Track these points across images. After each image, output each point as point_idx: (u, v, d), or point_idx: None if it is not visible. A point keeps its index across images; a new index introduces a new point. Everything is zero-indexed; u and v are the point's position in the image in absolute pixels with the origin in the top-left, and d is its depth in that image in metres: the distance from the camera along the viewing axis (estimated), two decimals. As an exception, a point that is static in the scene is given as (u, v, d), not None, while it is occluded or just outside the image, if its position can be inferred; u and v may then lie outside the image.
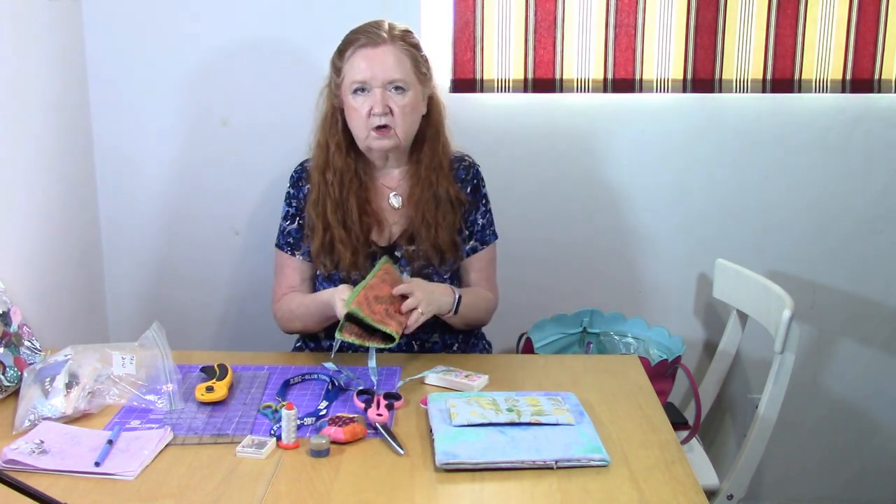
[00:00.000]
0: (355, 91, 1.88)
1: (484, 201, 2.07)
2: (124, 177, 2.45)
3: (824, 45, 2.41)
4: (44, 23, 2.15)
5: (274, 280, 2.07)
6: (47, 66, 2.18)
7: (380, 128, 1.88)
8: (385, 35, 1.88)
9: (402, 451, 1.51)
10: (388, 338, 1.76)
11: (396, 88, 1.88)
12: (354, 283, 1.97)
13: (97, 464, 1.45)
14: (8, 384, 1.72)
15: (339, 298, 1.78)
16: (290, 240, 2.03)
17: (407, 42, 1.91)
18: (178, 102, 2.41)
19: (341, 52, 1.92)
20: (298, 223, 2.02)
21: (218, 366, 1.79)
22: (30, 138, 2.10)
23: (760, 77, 2.42)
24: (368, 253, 1.98)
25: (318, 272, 2.02)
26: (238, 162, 2.45)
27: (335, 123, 1.96)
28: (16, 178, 2.03)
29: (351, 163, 1.96)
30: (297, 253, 2.02)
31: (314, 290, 2.05)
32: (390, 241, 2.00)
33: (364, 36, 1.88)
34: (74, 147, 2.33)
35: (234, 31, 2.37)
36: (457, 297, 1.91)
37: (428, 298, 1.83)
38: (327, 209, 1.95)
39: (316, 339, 2.07)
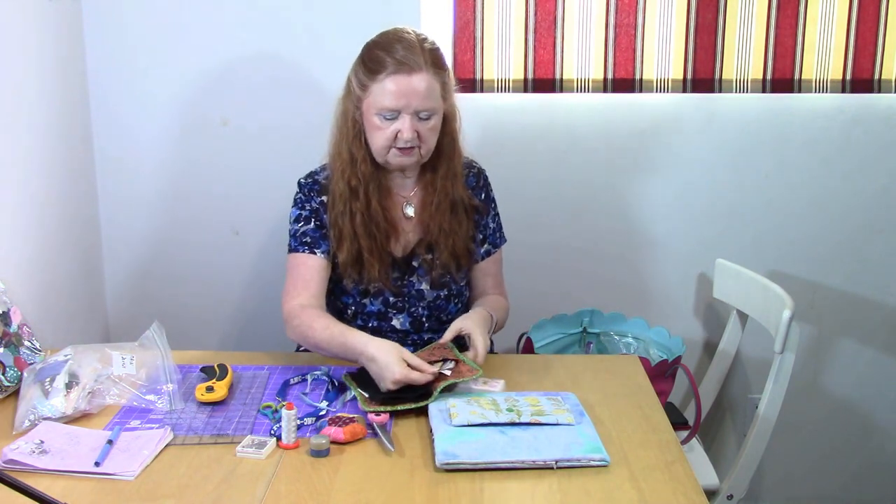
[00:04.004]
0: (382, 114, 1.84)
1: (493, 205, 2.08)
2: (124, 177, 2.45)
3: (824, 45, 2.41)
4: (44, 23, 2.15)
5: (287, 282, 1.96)
6: (47, 66, 2.18)
7: (404, 148, 1.86)
8: (419, 59, 1.81)
9: (392, 448, 1.51)
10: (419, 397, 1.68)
11: (426, 115, 1.85)
12: (375, 297, 1.96)
13: (97, 464, 1.45)
14: (8, 384, 1.72)
15: (394, 377, 1.66)
16: (307, 239, 1.95)
17: (437, 66, 1.86)
18: (177, 103, 2.41)
19: (371, 72, 1.84)
20: (314, 224, 1.96)
21: (218, 366, 1.79)
22: (30, 138, 2.10)
23: (760, 77, 2.42)
24: (389, 263, 1.96)
25: (332, 284, 1.99)
26: (238, 162, 2.45)
27: (358, 135, 1.90)
28: (16, 179, 2.03)
29: (374, 172, 1.93)
30: (317, 251, 1.94)
31: (325, 295, 1.99)
32: (405, 250, 1.99)
33: (394, 60, 1.81)
34: (74, 147, 2.33)
35: (234, 33, 2.36)
36: (494, 320, 1.94)
37: (483, 332, 1.82)
38: (356, 220, 1.90)
39: None
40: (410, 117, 1.83)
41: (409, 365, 1.68)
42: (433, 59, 1.85)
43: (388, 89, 1.81)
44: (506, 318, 2.07)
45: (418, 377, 1.66)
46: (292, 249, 1.96)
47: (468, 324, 1.82)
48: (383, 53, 1.83)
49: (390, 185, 1.99)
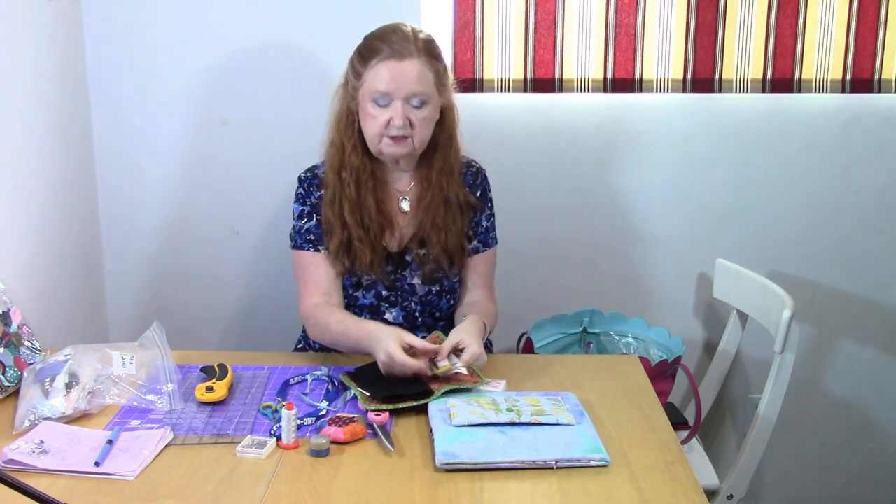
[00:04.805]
0: (375, 100, 1.86)
1: (489, 205, 2.08)
2: (124, 176, 2.45)
3: (824, 45, 2.41)
4: (44, 23, 2.15)
5: (298, 282, 2.00)
6: (47, 66, 2.18)
7: (396, 137, 1.87)
8: (411, 47, 1.85)
9: (392, 448, 1.51)
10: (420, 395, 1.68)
11: (417, 102, 1.86)
12: (367, 289, 1.97)
13: (97, 464, 1.45)
14: (8, 384, 1.72)
15: (387, 349, 1.70)
16: (311, 236, 1.97)
17: (431, 55, 1.89)
18: (178, 102, 2.41)
19: (364, 59, 1.88)
20: (317, 219, 1.98)
21: (218, 366, 1.79)
22: (30, 138, 2.10)
23: (760, 77, 2.42)
24: (383, 256, 1.97)
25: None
26: (238, 162, 2.45)
27: (351, 124, 1.93)
28: (16, 179, 2.03)
29: (367, 162, 1.95)
30: (321, 248, 1.97)
31: (341, 288, 2.00)
32: (400, 244, 2.00)
33: (389, 46, 1.85)
34: (74, 147, 2.33)
35: (234, 31, 2.36)
36: (487, 329, 1.92)
37: (479, 344, 1.80)
38: (344, 209, 1.92)
39: None
40: (402, 103, 1.85)
41: (410, 347, 1.72)
42: (427, 48, 1.88)
43: (380, 74, 1.85)
44: (494, 325, 2.04)
45: (411, 362, 1.69)
46: (297, 246, 1.99)
47: (467, 339, 1.79)
48: (378, 42, 1.88)
49: (387, 178, 2.00)
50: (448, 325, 2.01)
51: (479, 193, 2.05)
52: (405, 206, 2.01)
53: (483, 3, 2.37)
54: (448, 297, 2.03)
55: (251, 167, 2.45)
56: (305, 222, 1.98)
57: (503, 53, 2.40)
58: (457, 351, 1.78)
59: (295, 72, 2.38)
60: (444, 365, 1.74)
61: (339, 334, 1.87)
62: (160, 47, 2.37)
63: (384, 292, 1.98)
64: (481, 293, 2.06)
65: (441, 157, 1.97)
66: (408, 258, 1.99)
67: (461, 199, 1.99)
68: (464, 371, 1.73)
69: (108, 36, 2.36)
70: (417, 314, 2.01)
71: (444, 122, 1.97)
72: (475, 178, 2.05)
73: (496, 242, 2.10)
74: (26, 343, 1.81)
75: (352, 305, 1.99)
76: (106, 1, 2.34)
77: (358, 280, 1.97)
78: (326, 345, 1.97)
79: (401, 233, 2.00)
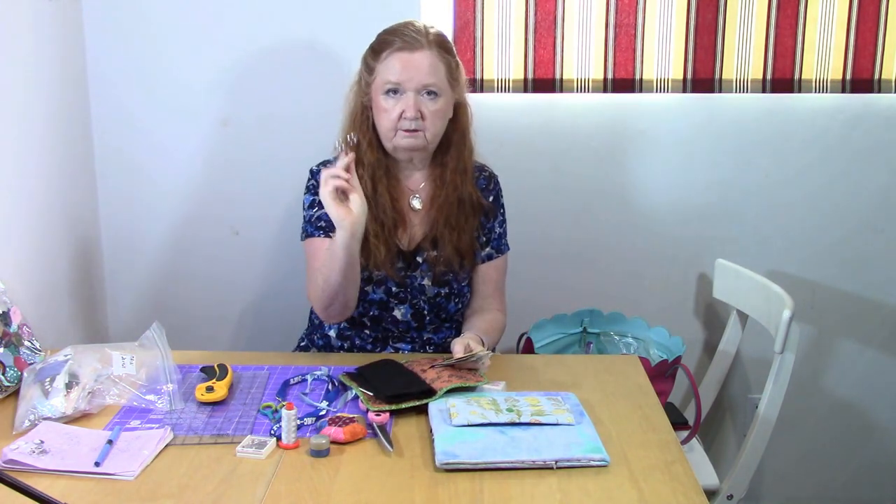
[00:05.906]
0: (387, 92, 1.88)
1: (502, 211, 2.09)
2: (124, 177, 2.45)
3: (824, 45, 2.41)
4: (44, 23, 2.15)
5: (307, 268, 1.98)
6: (47, 66, 2.18)
7: (409, 129, 1.89)
8: (422, 39, 1.87)
9: (391, 448, 1.51)
10: (422, 395, 1.69)
11: (429, 93, 1.88)
12: (378, 285, 1.97)
13: (97, 464, 1.45)
14: (8, 384, 1.72)
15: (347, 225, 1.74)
16: (323, 223, 1.96)
17: (443, 48, 1.91)
18: (178, 102, 2.41)
19: (376, 53, 1.90)
20: None
21: (218, 366, 1.79)
22: (30, 138, 2.10)
23: (760, 77, 2.42)
24: (396, 253, 1.97)
25: None
26: (238, 162, 2.45)
27: (365, 121, 1.95)
28: (16, 179, 2.03)
29: (382, 158, 1.96)
30: (332, 234, 1.92)
31: None
32: (411, 243, 2.00)
33: (400, 39, 1.87)
34: (74, 147, 2.33)
35: (234, 31, 2.36)
36: (485, 345, 1.91)
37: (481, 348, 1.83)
38: None
39: (326, 337, 2.07)
40: (414, 95, 1.86)
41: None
42: (438, 41, 1.90)
43: (391, 66, 1.87)
44: (499, 338, 2.05)
45: (341, 173, 1.73)
46: (309, 235, 1.99)
47: (472, 344, 1.82)
48: (390, 36, 1.90)
49: (399, 175, 2.01)
50: (454, 327, 2.03)
51: (491, 198, 2.05)
52: (416, 204, 2.01)
53: (483, 3, 2.37)
54: (456, 300, 2.03)
55: (251, 167, 2.45)
56: (316, 211, 1.98)
57: (503, 53, 2.40)
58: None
59: (295, 72, 2.38)
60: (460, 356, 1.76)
61: (328, 261, 1.83)
62: (160, 47, 2.37)
63: (394, 289, 1.98)
64: (492, 302, 2.07)
65: (455, 155, 1.98)
66: (419, 259, 1.99)
67: (474, 200, 2.00)
68: (479, 355, 1.75)
69: (108, 36, 2.36)
70: (426, 313, 2.01)
71: (458, 121, 1.98)
72: (488, 182, 2.06)
73: (508, 249, 2.11)
74: (26, 343, 1.81)
75: (361, 300, 1.99)
76: (106, 1, 2.34)
77: (369, 275, 1.97)
78: (329, 298, 1.87)
79: (412, 231, 2.01)
